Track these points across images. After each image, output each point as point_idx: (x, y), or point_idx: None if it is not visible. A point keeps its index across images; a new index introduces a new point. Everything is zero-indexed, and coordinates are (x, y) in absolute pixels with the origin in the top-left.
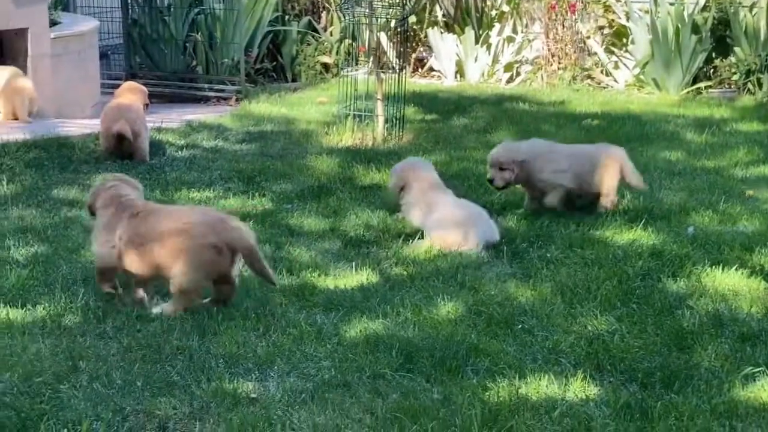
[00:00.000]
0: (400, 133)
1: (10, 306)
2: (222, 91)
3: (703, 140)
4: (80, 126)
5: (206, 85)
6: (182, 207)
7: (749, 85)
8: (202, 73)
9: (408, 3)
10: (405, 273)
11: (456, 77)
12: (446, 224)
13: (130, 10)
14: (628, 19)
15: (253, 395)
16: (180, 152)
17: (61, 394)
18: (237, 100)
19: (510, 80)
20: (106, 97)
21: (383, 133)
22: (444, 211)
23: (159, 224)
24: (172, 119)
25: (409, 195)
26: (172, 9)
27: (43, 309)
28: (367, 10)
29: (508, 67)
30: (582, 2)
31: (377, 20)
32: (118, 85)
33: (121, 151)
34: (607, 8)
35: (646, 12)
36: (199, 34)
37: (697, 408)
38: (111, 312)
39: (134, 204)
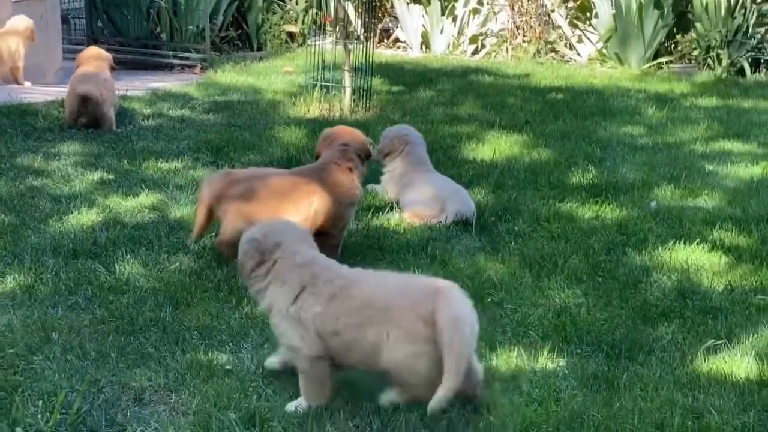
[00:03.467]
0: (367, 105)
1: None
2: (187, 59)
3: (664, 115)
4: (43, 93)
5: (170, 53)
6: None
7: (709, 61)
8: (166, 40)
9: None
10: (375, 245)
11: (422, 48)
12: (422, 200)
13: None
14: None
15: (228, 367)
16: (146, 121)
17: (34, 366)
18: (202, 68)
19: (475, 52)
20: (68, 63)
21: (350, 104)
22: (421, 188)
23: None
24: (136, 87)
25: (392, 165)
26: None
27: (13, 280)
28: None
29: (473, 39)
30: None
31: None
32: (79, 51)
33: (86, 115)
34: None
35: None
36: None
37: (661, 379)
38: (82, 283)
39: None
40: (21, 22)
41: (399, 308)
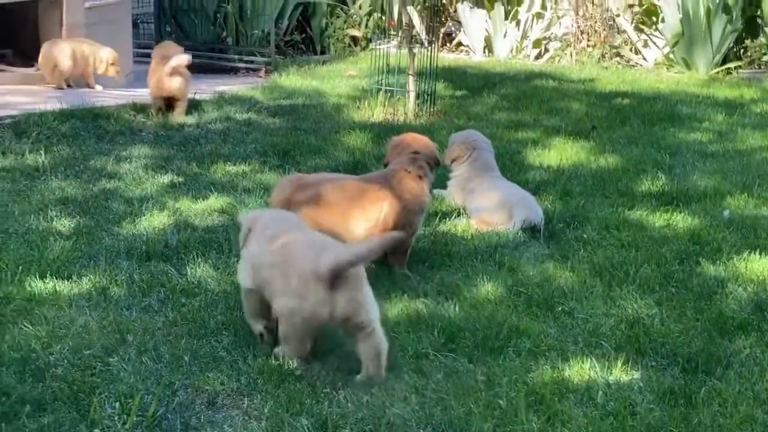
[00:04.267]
0: (431, 109)
1: (55, 277)
2: (252, 62)
3: (734, 121)
4: (114, 96)
5: (236, 57)
6: None
7: None
8: (232, 44)
9: None
10: (443, 251)
11: (484, 52)
12: (489, 206)
13: None
14: None
15: (298, 372)
16: (214, 124)
17: (111, 368)
18: (267, 71)
19: (538, 57)
20: (138, 66)
21: (414, 108)
22: (489, 194)
23: None
24: (203, 90)
25: (459, 170)
26: None
27: (89, 281)
28: None
29: (536, 44)
30: None
31: None
32: (147, 54)
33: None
34: None
35: None
36: (230, 4)
37: (740, 395)
38: (155, 285)
39: None
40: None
41: (292, 262)
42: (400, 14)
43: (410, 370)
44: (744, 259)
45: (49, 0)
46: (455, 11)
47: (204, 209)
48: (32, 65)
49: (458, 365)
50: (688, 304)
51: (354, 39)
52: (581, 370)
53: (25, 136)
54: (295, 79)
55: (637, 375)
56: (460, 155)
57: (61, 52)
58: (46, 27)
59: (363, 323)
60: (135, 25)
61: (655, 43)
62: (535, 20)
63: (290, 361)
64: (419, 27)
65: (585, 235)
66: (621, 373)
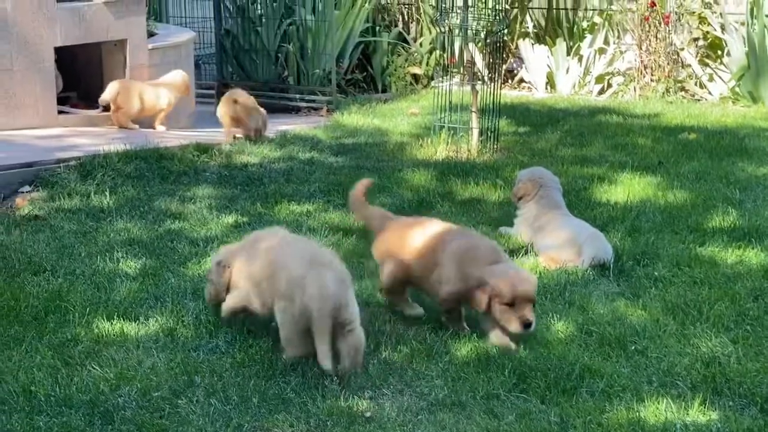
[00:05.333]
0: (495, 146)
1: (123, 319)
2: (313, 101)
3: None
4: (177, 137)
5: (297, 96)
6: None
7: None
8: (294, 83)
9: (500, 14)
10: None
11: (546, 89)
12: (557, 244)
13: (223, 21)
14: (723, 30)
15: (367, 414)
16: (277, 164)
17: (179, 410)
18: (328, 110)
19: (601, 92)
20: (200, 107)
21: (478, 145)
22: (557, 232)
23: None
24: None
25: (526, 208)
26: (264, 20)
27: (155, 322)
28: (459, 21)
29: (599, 79)
30: (676, 13)
31: (473, 32)
32: (209, 95)
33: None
34: (702, 20)
35: (742, 24)
36: (291, 44)
37: None
38: (222, 326)
39: None
40: (177, 75)
41: (281, 268)
42: (461, 51)
43: (481, 412)
44: None
45: (112, 42)
46: (517, 48)
47: None
48: (96, 107)
49: (530, 406)
50: (764, 342)
51: (415, 77)
52: (657, 411)
53: (90, 178)
54: (356, 118)
55: (714, 416)
56: (527, 192)
57: (130, 91)
58: (109, 69)
59: (345, 321)
60: (197, 66)
61: (720, 77)
62: (597, 55)
63: (359, 402)
64: (481, 64)
65: (656, 273)
66: (698, 414)
